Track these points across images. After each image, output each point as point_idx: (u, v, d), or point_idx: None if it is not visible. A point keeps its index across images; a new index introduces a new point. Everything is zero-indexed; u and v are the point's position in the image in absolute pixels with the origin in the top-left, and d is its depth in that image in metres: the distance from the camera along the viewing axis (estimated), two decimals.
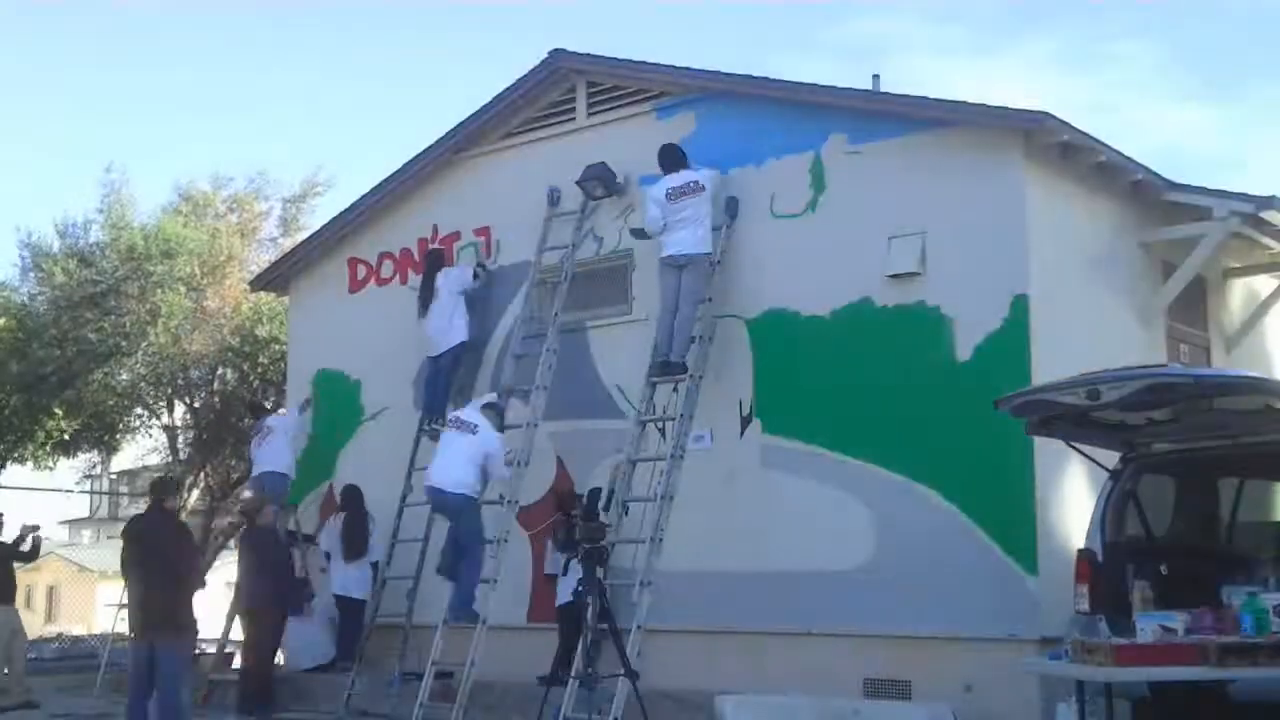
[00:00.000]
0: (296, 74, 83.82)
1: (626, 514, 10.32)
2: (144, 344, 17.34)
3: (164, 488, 9.39)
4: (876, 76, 11.50)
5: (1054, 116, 9.51)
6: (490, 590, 10.61)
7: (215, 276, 17.95)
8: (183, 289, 17.50)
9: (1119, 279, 10.63)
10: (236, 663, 13.32)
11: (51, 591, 39.82)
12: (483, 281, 12.17)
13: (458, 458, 10.52)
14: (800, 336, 10.44)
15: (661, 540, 10.07)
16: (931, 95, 10.12)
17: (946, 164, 9.87)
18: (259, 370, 18.05)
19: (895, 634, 8.66)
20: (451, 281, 12.09)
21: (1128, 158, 10.27)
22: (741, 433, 10.64)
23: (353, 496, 12.68)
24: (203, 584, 9.50)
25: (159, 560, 8.79)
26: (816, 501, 9.87)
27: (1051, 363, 9.16)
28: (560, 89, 12.28)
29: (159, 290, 17.21)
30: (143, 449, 20.64)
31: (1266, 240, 11.08)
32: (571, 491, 11.27)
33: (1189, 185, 10.74)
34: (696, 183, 10.53)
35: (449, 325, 12.02)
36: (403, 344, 12.75)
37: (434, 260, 12.36)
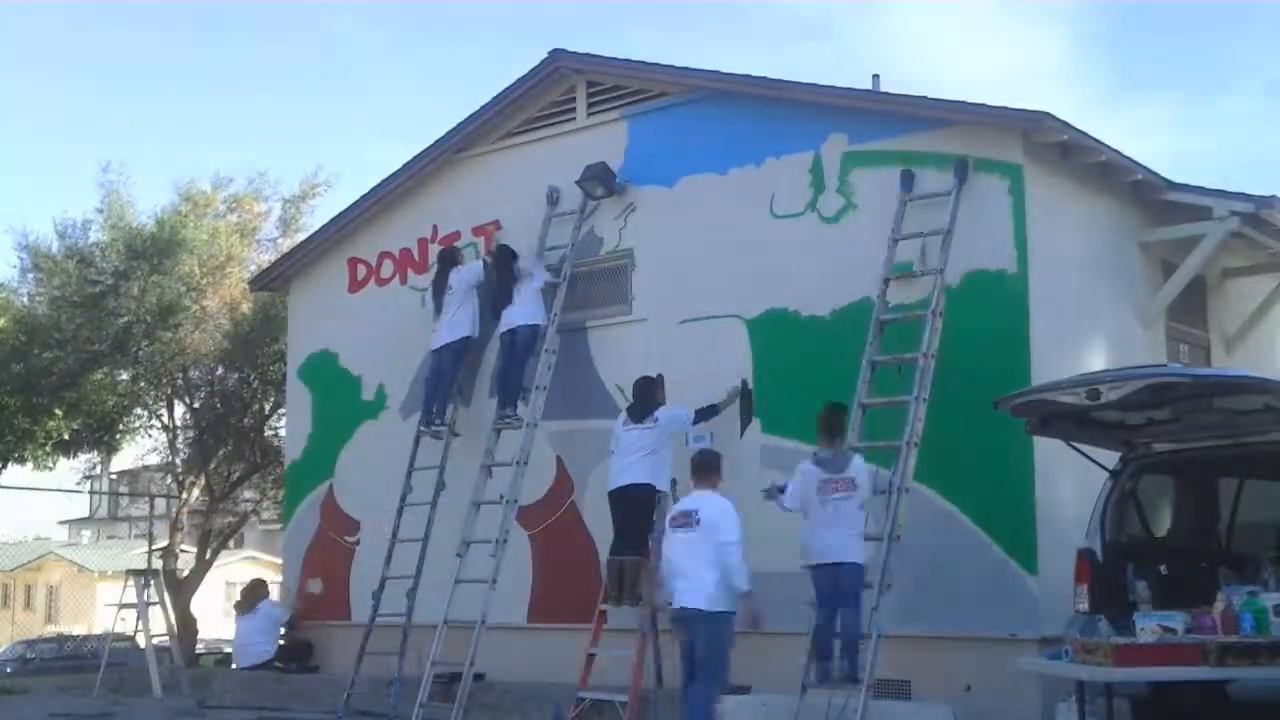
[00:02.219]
0: (297, 73, 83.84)
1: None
2: (144, 344, 17.33)
3: None
4: (876, 76, 11.51)
5: (1054, 116, 9.51)
6: (490, 590, 10.62)
7: (215, 277, 17.94)
8: (183, 288, 17.50)
9: (1119, 279, 10.63)
10: None
11: (51, 591, 39.87)
12: (492, 271, 12.08)
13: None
14: (800, 336, 10.44)
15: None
16: (931, 95, 10.13)
17: (946, 163, 9.85)
18: (259, 370, 18.04)
19: (895, 634, 8.64)
20: (465, 277, 12.03)
21: (1128, 157, 10.26)
22: (741, 433, 10.63)
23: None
24: None
25: None
26: None
27: (1051, 363, 9.17)
28: (560, 89, 12.28)
29: (159, 290, 17.20)
30: (143, 449, 20.64)
31: (1266, 240, 11.08)
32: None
33: (1189, 185, 10.75)
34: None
35: (455, 321, 11.97)
36: (403, 343, 12.75)
37: (446, 259, 12.30)
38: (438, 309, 12.03)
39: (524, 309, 11.46)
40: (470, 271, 12.05)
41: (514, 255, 11.74)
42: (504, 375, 11.54)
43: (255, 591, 13.80)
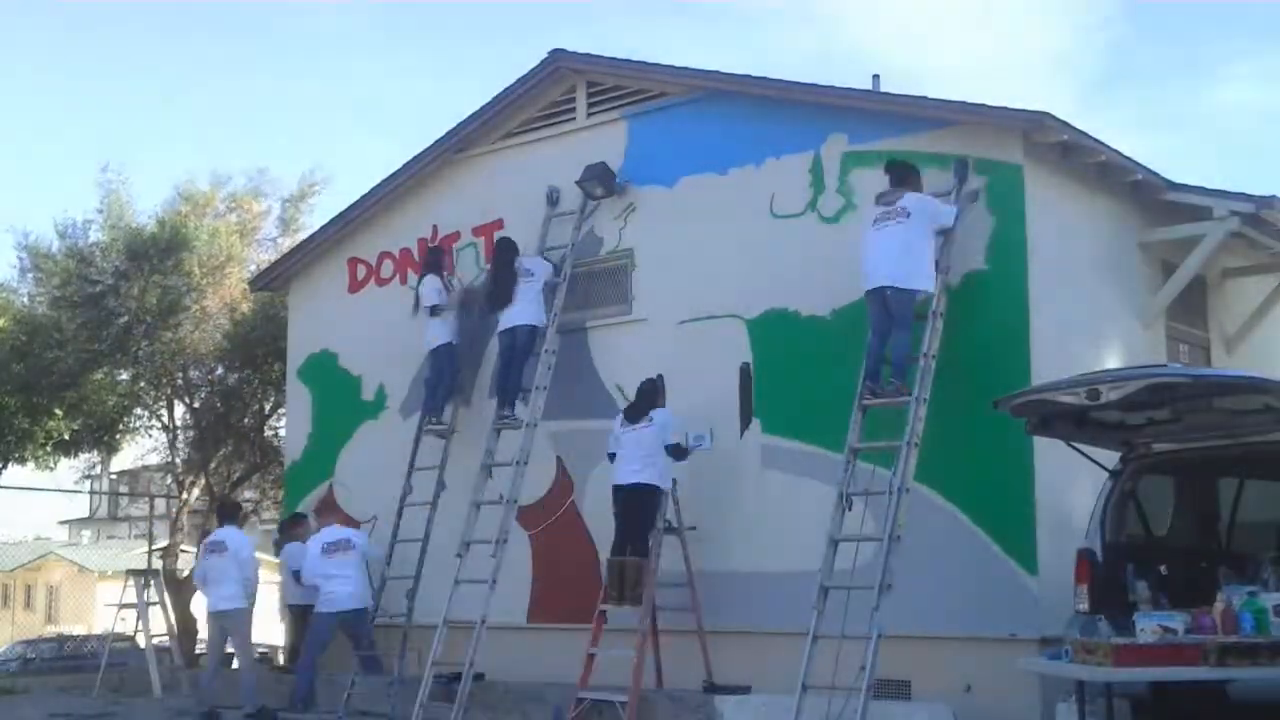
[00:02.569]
0: (296, 72, 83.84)
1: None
2: (144, 344, 17.34)
3: None
4: (876, 76, 11.50)
5: (1054, 116, 9.51)
6: (490, 590, 10.63)
7: (215, 277, 17.94)
8: (183, 288, 17.51)
9: (1119, 279, 10.63)
10: None
11: (51, 591, 39.83)
12: (455, 296, 12.19)
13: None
14: (800, 336, 10.44)
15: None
16: (931, 95, 10.13)
17: (946, 163, 9.84)
18: (259, 370, 18.03)
19: (895, 634, 8.64)
20: (428, 292, 12.14)
21: (1127, 158, 10.27)
22: (741, 433, 10.64)
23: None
24: None
25: None
26: (816, 501, 9.84)
27: (1051, 363, 9.16)
28: (560, 89, 12.28)
29: (159, 290, 17.21)
30: (143, 449, 20.63)
31: (1266, 240, 11.08)
32: None
33: (1189, 185, 10.75)
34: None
35: (442, 324, 12.04)
36: (403, 343, 12.75)
37: (431, 259, 12.35)
38: (416, 308, 12.15)
39: (524, 309, 11.46)
40: (433, 289, 12.10)
41: (515, 251, 11.74)
42: (504, 376, 11.55)
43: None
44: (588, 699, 9.96)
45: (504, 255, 11.71)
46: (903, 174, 9.55)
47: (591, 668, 10.12)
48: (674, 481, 10.24)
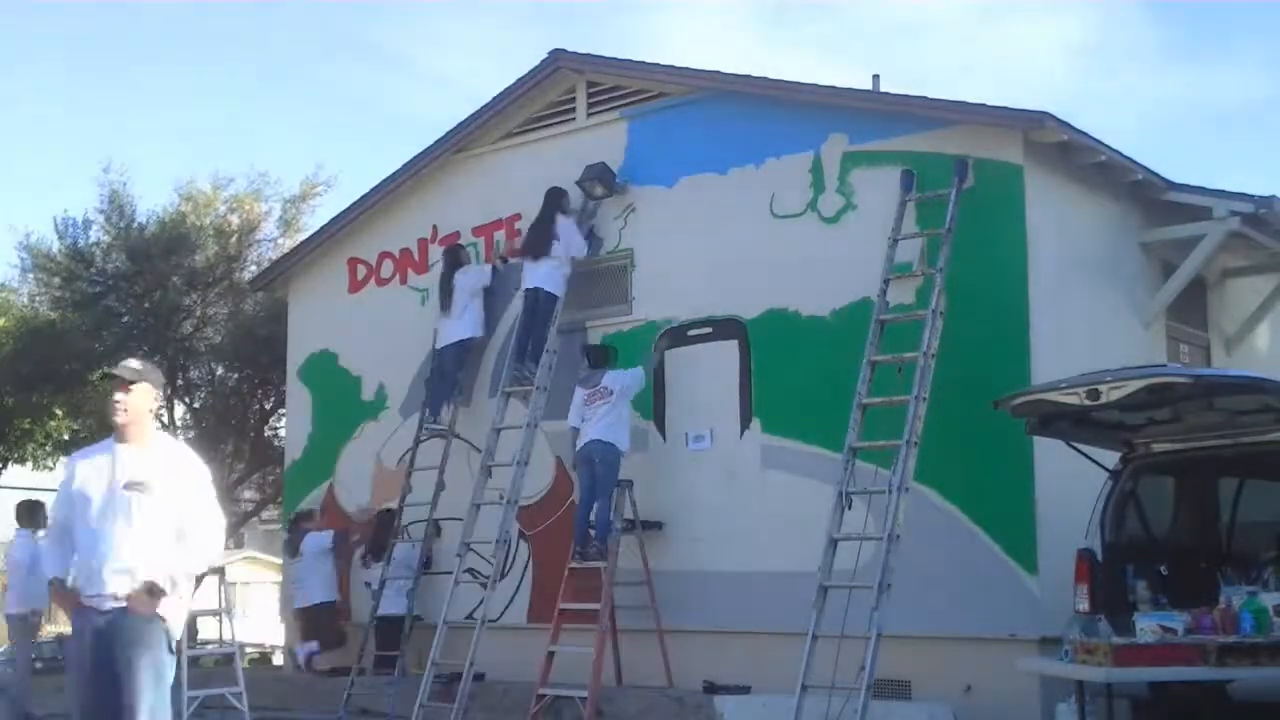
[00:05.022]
0: (296, 71, 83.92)
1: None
2: (145, 344, 17.36)
3: None
4: (876, 76, 11.52)
5: (1054, 116, 9.51)
6: (490, 590, 10.63)
7: (216, 276, 17.96)
8: (184, 288, 17.54)
9: (1119, 279, 10.63)
10: None
11: None
12: (501, 276, 12.10)
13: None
14: (800, 336, 10.44)
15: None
16: (931, 95, 10.14)
17: (946, 163, 9.85)
18: (259, 370, 18.05)
19: (895, 634, 8.64)
20: (471, 281, 12.06)
21: (1128, 157, 10.27)
22: (741, 433, 10.64)
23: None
24: None
25: None
26: (816, 501, 9.84)
27: (1051, 363, 9.17)
28: (560, 89, 12.28)
29: (160, 290, 17.23)
30: None
31: (1266, 240, 11.08)
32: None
33: (1189, 185, 10.76)
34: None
35: (460, 320, 12.01)
36: (403, 343, 12.76)
37: (450, 259, 12.32)
38: (444, 307, 12.06)
39: (550, 273, 11.42)
40: (477, 276, 12.08)
41: (561, 206, 11.54)
42: (524, 334, 11.53)
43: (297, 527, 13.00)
44: (549, 695, 10.18)
45: (550, 206, 11.51)
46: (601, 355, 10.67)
47: (552, 665, 10.29)
48: (630, 483, 10.46)
